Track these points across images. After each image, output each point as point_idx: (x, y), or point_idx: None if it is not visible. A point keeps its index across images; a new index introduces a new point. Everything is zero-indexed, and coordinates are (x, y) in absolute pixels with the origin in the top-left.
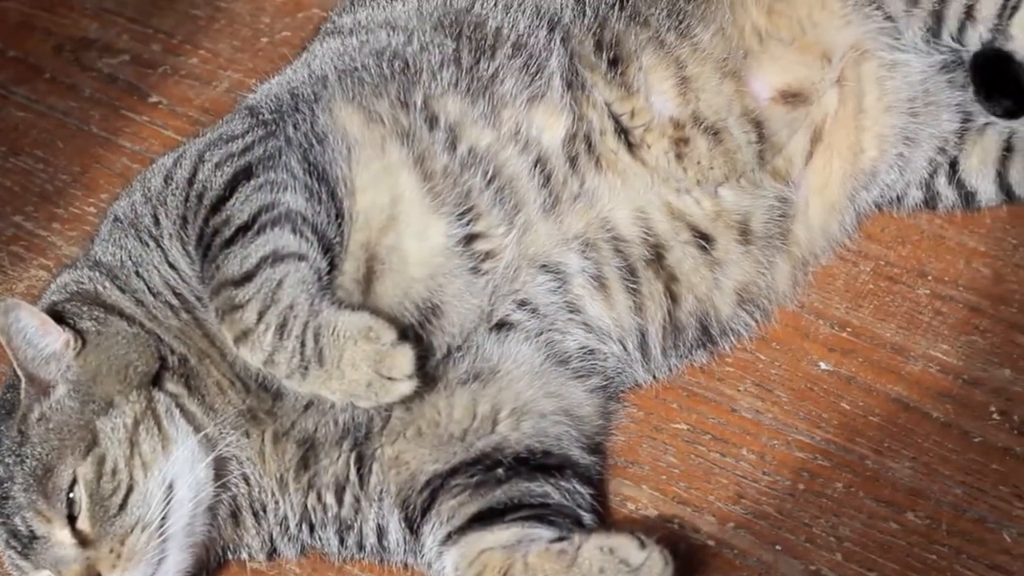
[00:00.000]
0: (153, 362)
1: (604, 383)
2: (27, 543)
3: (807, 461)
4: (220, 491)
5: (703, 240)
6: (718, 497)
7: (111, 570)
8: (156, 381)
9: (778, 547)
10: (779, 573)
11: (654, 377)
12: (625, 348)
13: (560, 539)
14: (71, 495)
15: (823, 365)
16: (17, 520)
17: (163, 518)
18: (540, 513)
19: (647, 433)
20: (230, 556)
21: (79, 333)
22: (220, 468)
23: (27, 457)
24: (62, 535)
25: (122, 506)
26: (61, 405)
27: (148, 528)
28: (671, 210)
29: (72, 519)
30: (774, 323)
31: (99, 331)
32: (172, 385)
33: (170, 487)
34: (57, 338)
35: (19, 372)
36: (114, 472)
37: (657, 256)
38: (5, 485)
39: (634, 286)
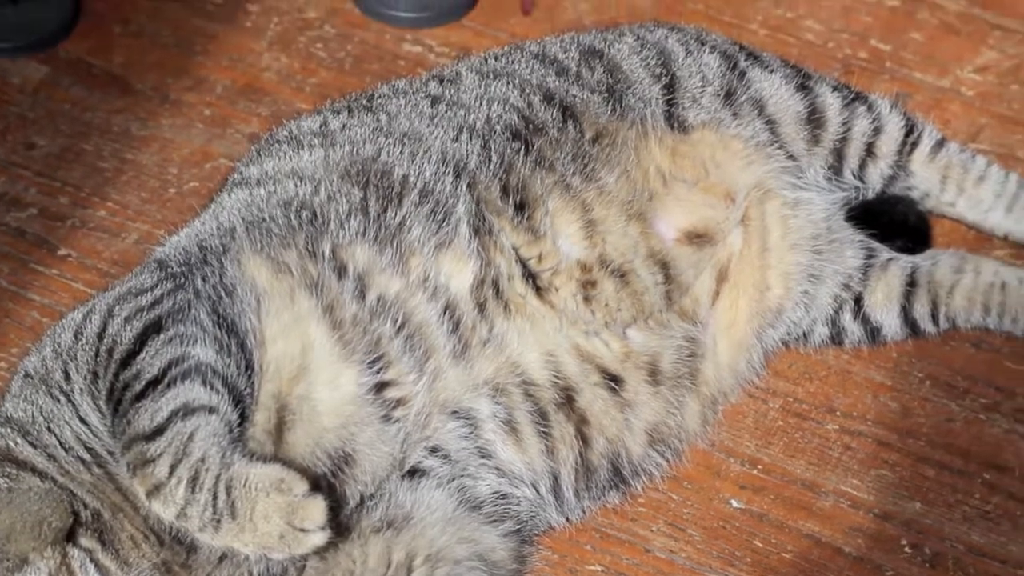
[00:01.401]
0: (67, 517)
1: (518, 527)
2: None
3: None
4: None
5: (613, 382)
6: None
7: None
8: (70, 536)
9: None
10: None
11: (567, 519)
12: (538, 491)
13: None
14: None
15: (735, 503)
16: None
17: None
18: None
19: None
20: None
21: None
22: None
23: None
24: None
25: None
26: None
27: None
28: (580, 352)
29: None
30: (685, 462)
31: (11, 488)
32: (86, 540)
33: None
34: None
35: None
36: None
37: (567, 399)
38: None
39: (545, 429)
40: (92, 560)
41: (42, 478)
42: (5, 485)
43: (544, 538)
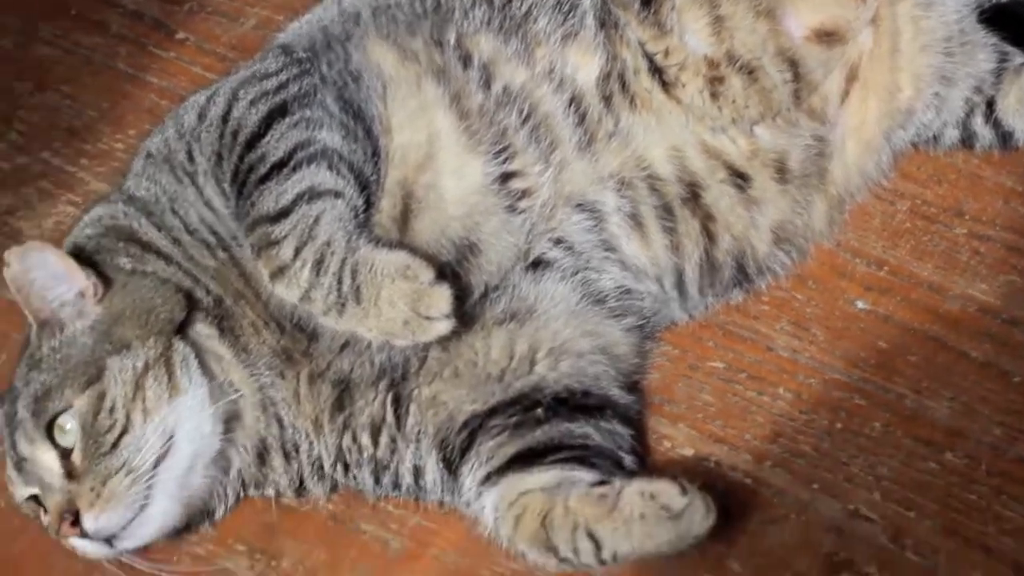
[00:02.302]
0: (179, 311)
1: (641, 322)
2: (18, 460)
3: (844, 400)
4: (230, 443)
5: (739, 179)
6: (755, 436)
7: (88, 508)
8: (181, 328)
9: (815, 486)
10: (817, 512)
11: (690, 316)
12: (662, 287)
13: (601, 483)
14: (61, 423)
15: (860, 304)
16: (15, 436)
17: (155, 466)
18: (580, 455)
19: (683, 372)
20: (252, 493)
21: (104, 276)
22: (236, 418)
23: (33, 381)
24: (46, 460)
25: (114, 446)
26: (74, 340)
27: (134, 473)
28: (707, 149)
29: (66, 450)
30: (810, 262)
31: (133, 270)
32: (204, 327)
33: (170, 437)
34: (78, 283)
35: (30, 317)
36: (111, 411)
37: (693, 195)
38: (17, 403)
39: (670, 225)
40: (200, 353)
41: (167, 261)
42: (129, 266)
43: (666, 334)
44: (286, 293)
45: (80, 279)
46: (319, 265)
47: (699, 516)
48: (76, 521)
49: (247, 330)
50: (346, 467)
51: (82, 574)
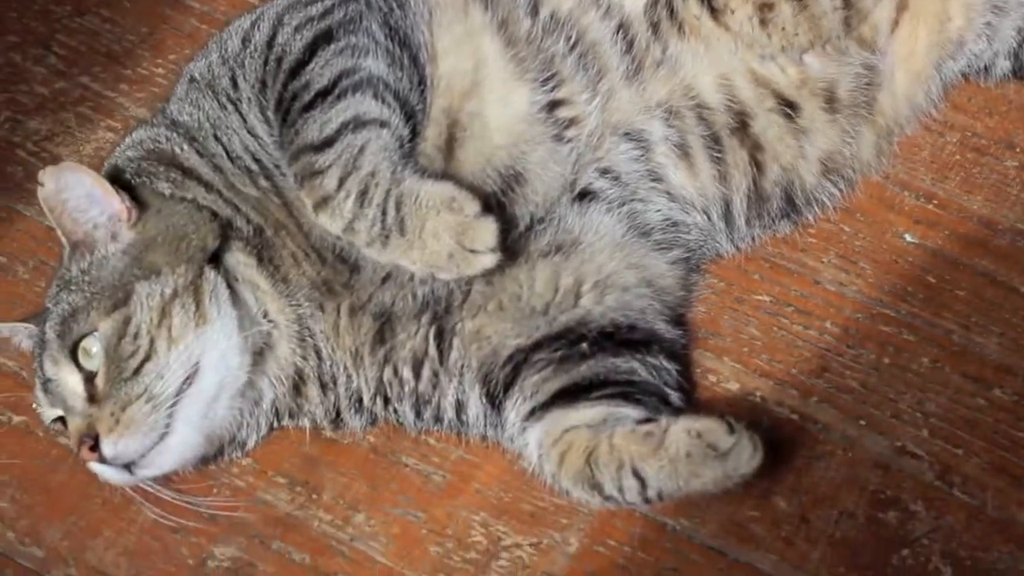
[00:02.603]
0: (212, 239)
1: (686, 255)
2: (45, 381)
3: (892, 335)
4: (261, 374)
5: (788, 108)
6: (801, 370)
7: (107, 433)
8: (216, 257)
9: (863, 422)
10: (864, 448)
11: (737, 248)
12: (709, 218)
13: (647, 420)
14: (86, 345)
15: (908, 237)
16: (42, 357)
17: (177, 394)
18: (626, 391)
19: (729, 304)
20: (287, 423)
21: (139, 201)
22: (269, 349)
23: (61, 302)
24: (71, 383)
25: (136, 372)
26: (105, 262)
27: (154, 401)
28: (755, 77)
29: (90, 373)
30: (859, 194)
31: (171, 195)
32: (242, 256)
33: (195, 366)
34: (112, 206)
35: (63, 239)
36: (136, 336)
37: (742, 124)
38: (46, 324)
39: (718, 155)
40: (231, 282)
41: (207, 189)
42: (167, 192)
43: (712, 266)
44: (329, 224)
45: (115, 202)
46: (363, 196)
47: (746, 455)
48: (95, 446)
49: (287, 261)
50: (386, 401)
51: (121, 505)
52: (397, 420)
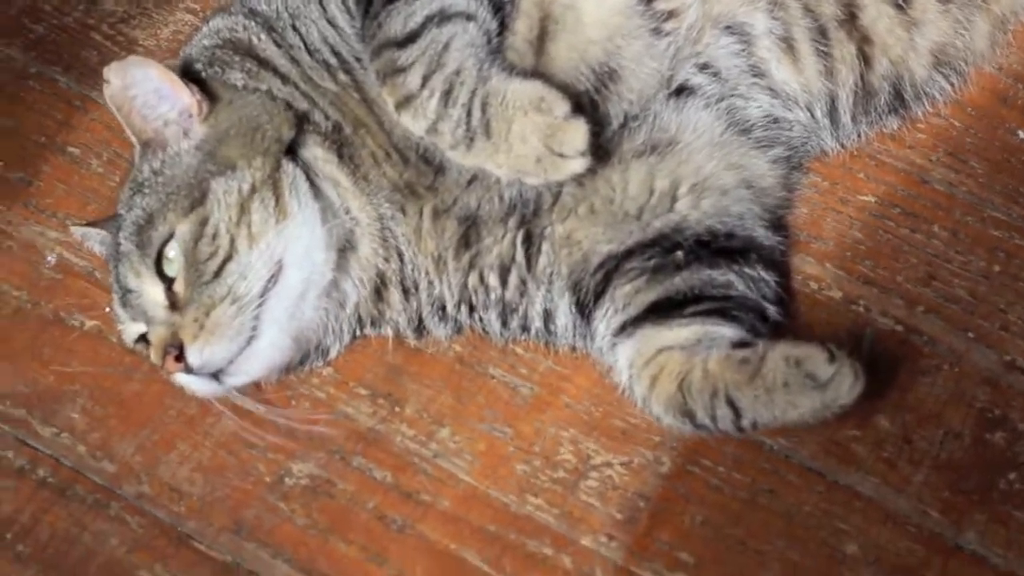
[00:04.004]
0: (287, 130)
1: (788, 153)
2: (124, 294)
3: (1003, 240)
4: (344, 274)
5: None
6: (907, 278)
7: (192, 340)
8: (292, 150)
9: (971, 334)
10: (971, 363)
11: (842, 145)
12: (812, 115)
13: (743, 344)
14: (165, 251)
15: (1022, 134)
16: (120, 268)
17: (262, 294)
18: (722, 307)
19: (832, 205)
20: (368, 331)
21: (211, 93)
22: (352, 248)
23: (135, 206)
24: (153, 292)
25: (217, 274)
26: (178, 160)
27: (239, 302)
28: None
29: (169, 280)
30: (970, 87)
31: (244, 87)
32: (321, 151)
33: (278, 264)
34: (183, 101)
35: (132, 138)
36: (214, 236)
37: (850, 16)
38: (120, 233)
39: (824, 48)
40: (312, 180)
41: (283, 81)
42: (241, 83)
43: (814, 164)
44: (412, 124)
45: (184, 96)
46: (447, 95)
47: (847, 385)
48: (180, 356)
49: (367, 160)
50: (471, 308)
51: (196, 417)
52: (483, 329)
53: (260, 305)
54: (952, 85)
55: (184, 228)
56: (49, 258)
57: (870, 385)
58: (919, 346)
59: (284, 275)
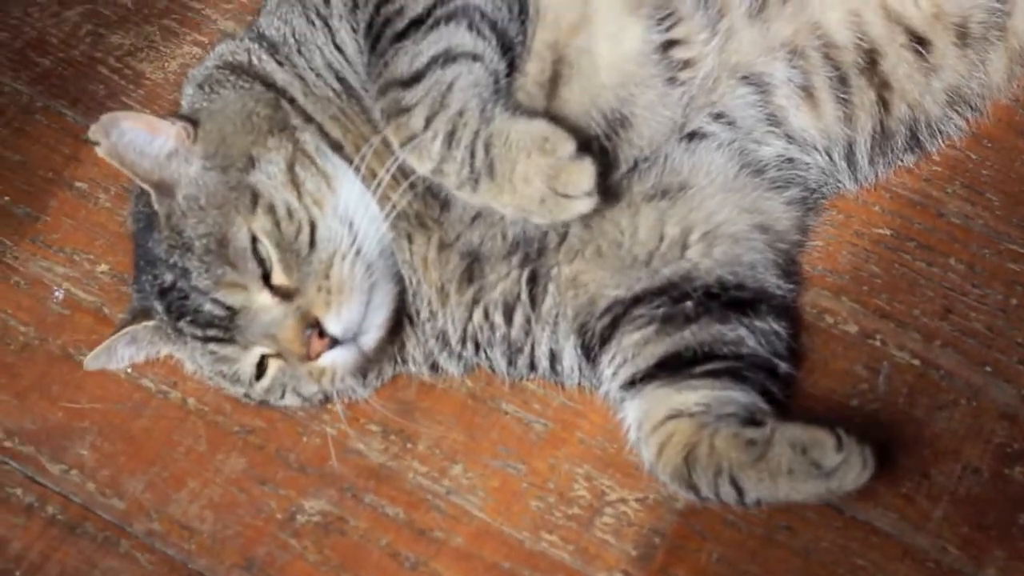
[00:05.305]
0: (275, 111)
1: (804, 194)
2: (227, 324)
3: (1021, 273)
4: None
5: (919, 44)
6: (923, 311)
7: (326, 308)
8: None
9: (988, 369)
10: (989, 397)
11: (859, 185)
12: (831, 158)
13: (752, 416)
14: (257, 253)
15: None
16: (208, 306)
17: (353, 245)
18: (732, 367)
19: (847, 239)
20: (399, 366)
21: (192, 115)
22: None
23: (193, 242)
24: (262, 298)
25: (312, 243)
26: (202, 182)
27: (347, 257)
28: (887, 12)
29: (266, 278)
30: (986, 118)
31: (235, 96)
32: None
33: (350, 224)
34: (169, 134)
35: (143, 185)
36: (290, 213)
37: (871, 63)
38: (179, 284)
39: (845, 96)
40: (326, 142)
41: (280, 94)
42: (231, 96)
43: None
44: (418, 165)
45: (165, 129)
46: (451, 136)
47: (853, 474)
48: (322, 333)
49: (370, 183)
50: (477, 346)
51: (206, 454)
52: (490, 367)
53: (358, 253)
54: (967, 121)
55: (260, 222)
56: (57, 293)
57: (886, 420)
58: (936, 380)
59: (357, 226)
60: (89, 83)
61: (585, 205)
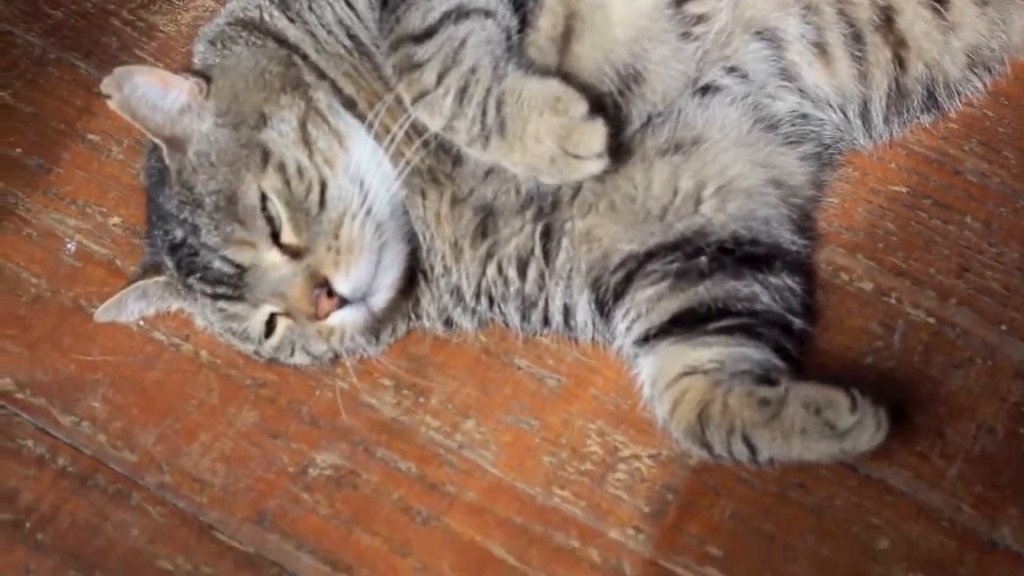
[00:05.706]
0: (287, 68)
1: (818, 149)
2: (236, 282)
3: None
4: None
5: (936, 2)
6: (939, 269)
7: (335, 268)
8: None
9: (1003, 327)
10: (1005, 356)
11: (874, 142)
12: (845, 116)
13: (766, 373)
14: (267, 211)
15: None
16: (217, 263)
17: (363, 204)
18: (746, 323)
19: (863, 196)
20: (413, 322)
21: (204, 71)
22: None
23: (203, 198)
24: (271, 256)
25: (322, 203)
26: (213, 138)
27: (358, 216)
28: None
29: (275, 237)
30: (1005, 77)
31: (248, 53)
32: (343, 110)
33: (361, 183)
34: (182, 89)
35: (155, 140)
36: (300, 172)
37: (887, 20)
38: (189, 241)
39: (859, 53)
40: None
41: (293, 51)
42: (244, 52)
43: (845, 153)
44: (429, 121)
45: (178, 83)
46: (463, 93)
47: (867, 436)
48: (331, 291)
49: (383, 139)
50: (491, 300)
51: (219, 407)
52: (504, 322)
53: (369, 212)
54: (986, 83)
55: (270, 181)
56: (69, 245)
57: (902, 377)
58: (952, 339)
59: (368, 186)
60: (102, 35)
61: (596, 166)
